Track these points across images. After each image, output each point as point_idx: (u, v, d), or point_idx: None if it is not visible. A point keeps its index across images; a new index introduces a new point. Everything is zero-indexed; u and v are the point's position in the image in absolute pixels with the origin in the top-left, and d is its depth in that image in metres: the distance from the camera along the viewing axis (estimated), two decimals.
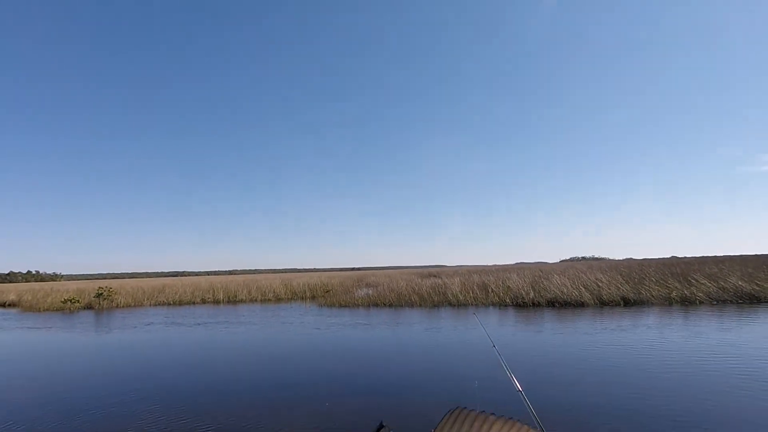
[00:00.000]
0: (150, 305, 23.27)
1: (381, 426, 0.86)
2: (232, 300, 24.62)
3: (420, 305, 17.33)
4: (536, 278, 19.40)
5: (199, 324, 14.16)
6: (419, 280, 25.40)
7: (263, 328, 12.61)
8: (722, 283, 15.13)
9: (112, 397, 5.78)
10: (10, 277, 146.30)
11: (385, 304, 18.01)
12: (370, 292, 22.81)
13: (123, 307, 22.68)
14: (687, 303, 14.10)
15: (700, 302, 14.01)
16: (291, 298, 25.01)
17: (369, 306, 18.07)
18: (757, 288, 14.36)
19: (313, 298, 24.55)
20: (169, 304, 23.47)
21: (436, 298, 17.98)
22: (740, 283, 14.90)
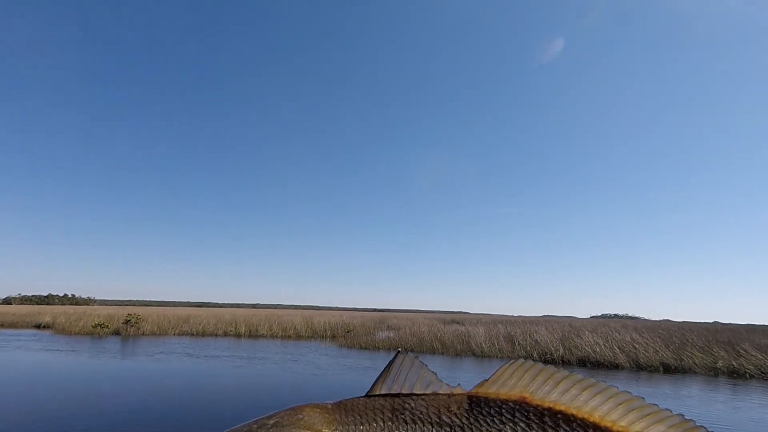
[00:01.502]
0: (174, 334, 23.61)
1: (398, 353, 0.86)
2: (254, 334, 24.62)
3: (442, 352, 16.72)
4: (566, 334, 18.43)
5: (218, 357, 14.20)
6: (442, 326, 24.64)
7: (278, 366, 12.49)
8: None
9: (88, 418, 5.84)
10: (47, 300, 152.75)
11: (406, 349, 17.47)
12: (392, 335, 22.28)
13: (148, 334, 23.12)
14: (735, 375, 12.92)
15: (751, 375, 12.81)
16: (311, 336, 24.75)
17: (390, 349, 17.60)
18: None
19: (333, 337, 24.21)
20: (192, 335, 23.74)
21: (459, 347, 17.32)
22: None
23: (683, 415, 0.69)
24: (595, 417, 0.72)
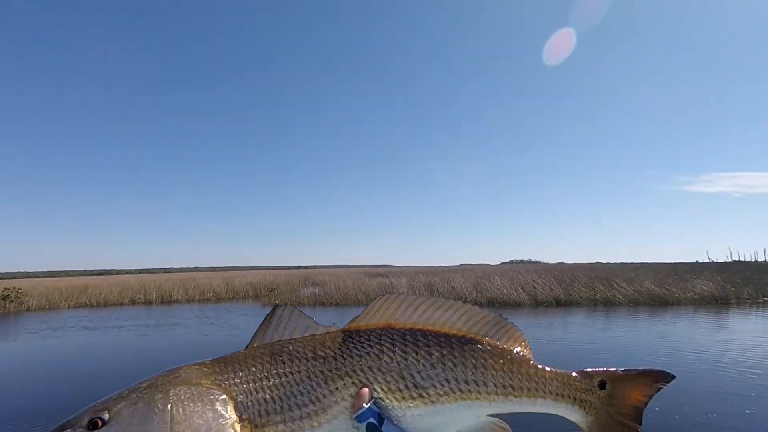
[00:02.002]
0: (68, 307, 21.09)
1: (275, 306, 0.95)
2: (166, 300, 23.03)
3: (366, 304, 17.25)
4: (479, 279, 20.20)
5: (121, 327, 13.07)
6: (367, 280, 25.43)
7: (191, 330, 11.92)
8: (638, 287, 16.74)
9: None
10: None
11: (331, 303, 17.83)
12: (317, 290, 22.44)
13: (35, 309, 20.32)
14: (609, 304, 15.42)
15: (620, 303, 15.40)
16: (233, 298, 23.92)
17: (315, 305, 17.78)
18: (666, 292, 16.06)
19: (256, 297, 23.68)
20: (91, 306, 21.43)
21: None
22: (652, 287, 16.57)
23: (501, 315, 0.97)
24: (445, 329, 0.92)
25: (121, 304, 21.98)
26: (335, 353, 0.86)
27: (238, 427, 0.76)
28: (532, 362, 0.94)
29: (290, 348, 0.86)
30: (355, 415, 0.79)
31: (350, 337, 0.90)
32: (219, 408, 0.76)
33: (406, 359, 0.87)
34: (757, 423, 4.15)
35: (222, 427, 0.74)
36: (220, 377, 0.80)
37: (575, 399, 0.92)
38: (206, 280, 28.58)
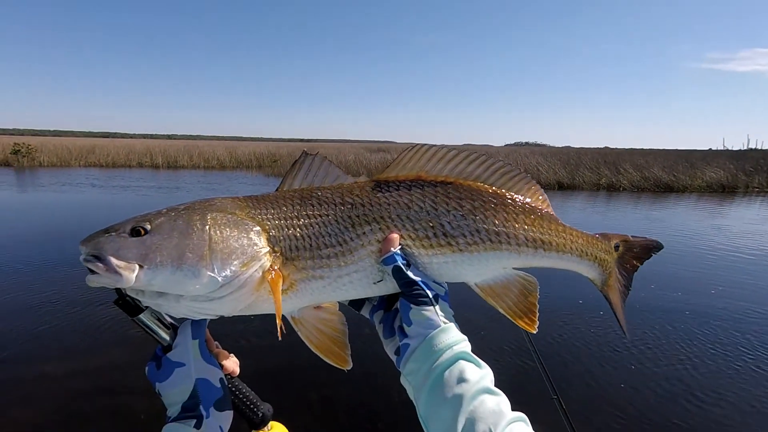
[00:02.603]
0: (79, 166, 21.42)
1: (304, 153, 0.95)
2: (172, 165, 23.26)
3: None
4: None
5: (127, 187, 13.36)
6: (368, 154, 25.24)
7: (199, 195, 12.21)
8: (646, 173, 16.55)
9: None
10: None
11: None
12: None
13: (47, 165, 20.68)
14: (612, 189, 15.45)
15: (623, 189, 15.41)
16: (236, 167, 24.12)
17: None
18: (674, 179, 15.92)
19: (259, 167, 23.84)
20: (100, 166, 21.74)
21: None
22: (660, 173, 16.38)
23: (530, 176, 0.95)
24: (477, 183, 0.92)
25: (129, 166, 22.27)
26: (363, 200, 0.87)
27: (270, 257, 0.79)
28: (560, 221, 0.96)
29: (319, 194, 0.87)
30: (382, 258, 0.80)
31: (379, 186, 0.90)
32: (253, 237, 0.79)
33: (436, 209, 0.87)
34: (718, 299, 4.45)
35: (256, 253, 0.77)
36: (253, 211, 0.83)
37: (596, 257, 0.99)
38: (209, 149, 28.43)
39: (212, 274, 0.73)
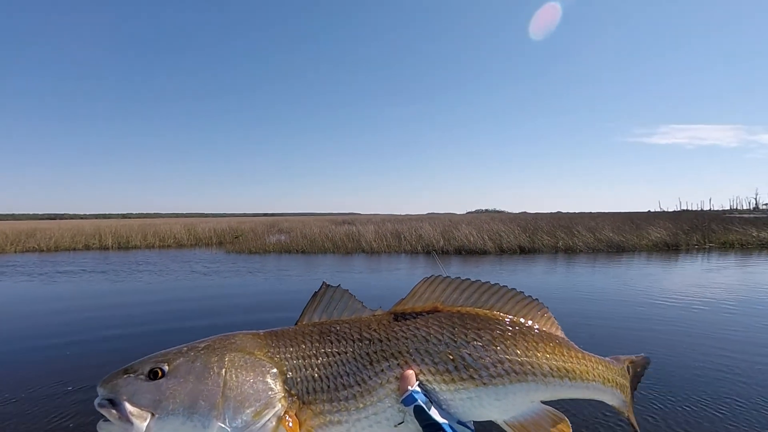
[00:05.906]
0: (15, 252, 19.72)
1: (324, 285, 0.94)
2: (124, 246, 21.98)
3: (333, 251, 17.22)
4: (446, 227, 20.42)
5: (67, 273, 12.29)
6: (333, 227, 25.20)
7: (151, 274, 11.39)
8: (598, 235, 17.50)
9: None
10: None
11: (298, 251, 17.56)
12: (283, 237, 22.06)
13: None
14: (570, 251, 16.08)
15: (580, 250, 16.09)
16: (195, 244, 23.15)
17: (281, 252, 17.47)
18: (624, 239, 16.89)
19: (220, 244, 23.02)
20: (41, 251, 20.13)
21: (349, 245, 17.99)
22: (611, 234, 17.37)
23: (538, 300, 0.98)
24: (492, 312, 0.93)
25: (75, 249, 20.77)
26: (380, 335, 0.86)
27: (286, 402, 0.78)
28: (577, 347, 0.95)
29: (338, 328, 0.87)
30: (401, 398, 0.77)
31: (396, 319, 0.90)
32: (269, 381, 0.78)
33: (455, 341, 0.85)
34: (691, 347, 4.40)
35: (271, 399, 0.76)
36: (272, 350, 0.82)
37: (617, 383, 0.96)
38: (166, 227, 27.35)
39: (223, 425, 0.72)
